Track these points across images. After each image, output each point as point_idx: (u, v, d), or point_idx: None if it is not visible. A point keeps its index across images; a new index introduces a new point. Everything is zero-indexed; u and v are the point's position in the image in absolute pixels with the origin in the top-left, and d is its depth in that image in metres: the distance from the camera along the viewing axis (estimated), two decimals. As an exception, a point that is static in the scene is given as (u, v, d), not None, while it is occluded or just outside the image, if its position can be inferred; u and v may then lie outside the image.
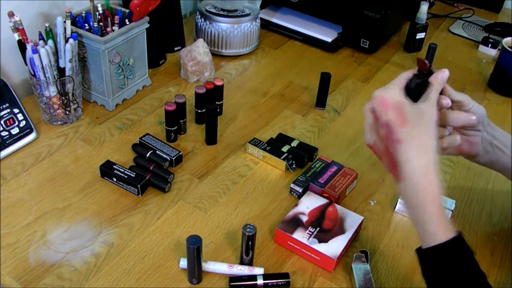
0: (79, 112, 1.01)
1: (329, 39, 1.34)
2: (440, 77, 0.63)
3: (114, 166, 0.86)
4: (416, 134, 0.57)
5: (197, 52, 1.13)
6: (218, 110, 1.05)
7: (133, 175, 0.85)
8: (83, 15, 1.01)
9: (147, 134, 0.96)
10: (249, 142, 0.95)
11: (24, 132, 0.92)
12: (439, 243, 0.57)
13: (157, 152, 0.91)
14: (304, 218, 0.79)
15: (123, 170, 0.85)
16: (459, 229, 0.59)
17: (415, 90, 0.63)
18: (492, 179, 0.95)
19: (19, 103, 0.93)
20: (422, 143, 0.57)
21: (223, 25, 1.22)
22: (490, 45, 1.40)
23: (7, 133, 0.90)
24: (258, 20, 1.28)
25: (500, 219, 0.87)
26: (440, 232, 0.58)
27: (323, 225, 0.78)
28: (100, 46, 0.95)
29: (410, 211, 0.60)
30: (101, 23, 1.01)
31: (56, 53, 0.92)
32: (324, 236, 0.76)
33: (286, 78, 1.21)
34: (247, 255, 0.73)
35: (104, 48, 0.95)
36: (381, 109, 0.58)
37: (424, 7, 1.32)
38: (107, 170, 0.86)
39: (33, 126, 0.94)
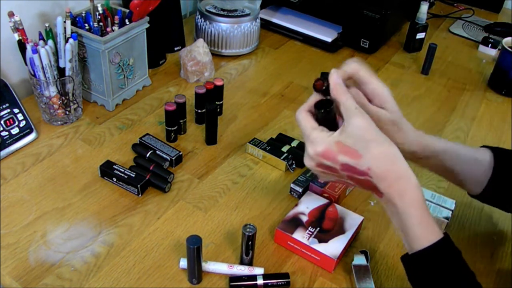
0: (79, 112, 1.01)
1: (329, 39, 1.34)
2: (333, 83, 0.60)
3: (114, 166, 0.86)
4: (373, 153, 0.57)
5: (197, 52, 1.13)
6: (218, 110, 1.05)
7: (133, 175, 0.85)
8: (83, 15, 1.01)
9: (147, 134, 0.96)
10: (249, 142, 0.95)
11: (24, 132, 0.92)
12: (426, 246, 0.57)
13: (157, 152, 0.91)
14: (304, 218, 0.79)
15: (123, 170, 0.85)
16: (444, 230, 0.59)
17: (328, 119, 0.61)
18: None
19: (19, 103, 0.93)
20: (384, 156, 0.57)
21: (223, 25, 1.23)
22: (490, 45, 1.40)
23: (7, 133, 0.90)
24: (258, 20, 1.28)
25: (500, 219, 0.87)
26: (426, 235, 0.57)
27: (323, 225, 0.78)
28: (100, 46, 0.95)
29: (395, 221, 0.60)
30: (101, 23, 1.01)
31: (56, 53, 0.92)
32: (324, 236, 0.76)
33: (286, 78, 1.21)
34: (247, 255, 0.73)
35: (104, 48, 0.95)
36: (329, 161, 0.58)
37: (424, 7, 1.32)
38: (107, 170, 0.86)
39: (33, 126, 0.94)
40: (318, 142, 0.59)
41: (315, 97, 0.63)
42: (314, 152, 0.59)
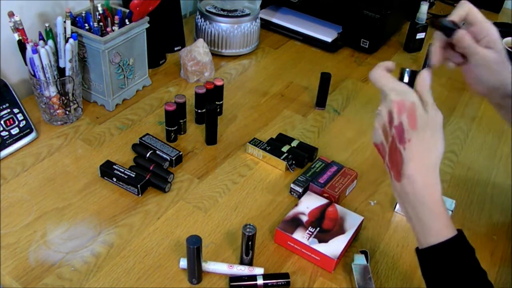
0: (79, 112, 1.01)
1: (329, 39, 1.34)
2: (422, 81, 0.63)
3: (114, 166, 0.86)
4: (423, 136, 0.58)
5: (197, 52, 1.13)
6: (218, 110, 1.05)
7: (133, 175, 0.85)
8: (83, 15, 1.01)
9: (147, 134, 0.96)
10: (249, 142, 0.95)
11: (24, 132, 0.92)
12: (442, 241, 0.57)
13: (157, 152, 0.91)
14: (304, 218, 0.79)
15: (123, 170, 0.85)
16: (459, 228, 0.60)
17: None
18: (492, 179, 0.95)
19: (19, 103, 0.93)
20: (428, 144, 0.59)
21: (223, 25, 1.23)
22: (490, 45, 1.40)
23: (7, 133, 0.90)
24: (258, 20, 1.28)
25: (500, 219, 0.87)
26: (442, 229, 0.58)
27: (323, 225, 0.78)
28: (100, 46, 0.95)
29: (409, 210, 0.60)
30: (101, 23, 1.01)
31: (56, 53, 0.92)
32: (324, 236, 0.76)
33: (286, 78, 1.21)
34: (247, 255, 0.73)
35: (104, 48, 0.95)
36: (397, 111, 0.60)
37: (424, 7, 1.32)
38: (107, 170, 0.86)
39: (33, 126, 0.94)
40: (405, 92, 0.60)
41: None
42: (394, 96, 0.60)
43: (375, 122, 0.63)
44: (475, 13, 0.67)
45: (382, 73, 0.64)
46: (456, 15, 0.67)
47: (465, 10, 0.68)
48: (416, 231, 0.60)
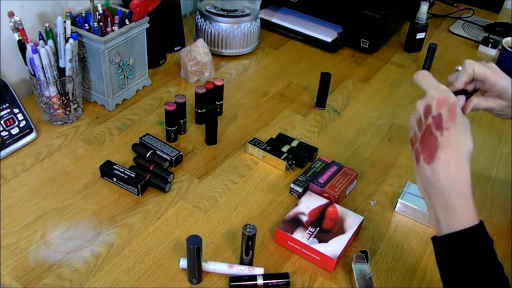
0: (79, 112, 1.01)
1: (329, 39, 1.34)
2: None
3: (114, 166, 0.86)
4: (459, 129, 0.61)
5: (197, 52, 1.13)
6: (218, 110, 1.05)
7: (133, 175, 0.85)
8: (83, 15, 1.01)
9: (147, 134, 0.96)
10: (249, 142, 0.95)
11: (24, 132, 0.92)
12: (465, 228, 0.58)
13: (157, 152, 0.91)
14: (304, 218, 0.79)
15: (123, 170, 0.85)
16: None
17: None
18: (492, 179, 0.95)
19: (19, 103, 0.93)
20: (462, 137, 0.61)
21: (223, 25, 1.23)
22: (490, 45, 1.40)
23: (7, 133, 0.90)
24: (258, 20, 1.28)
25: (500, 219, 0.87)
26: (468, 217, 0.59)
27: (323, 225, 0.78)
28: (100, 46, 0.95)
29: (435, 196, 0.61)
30: (101, 23, 1.01)
31: (56, 53, 0.92)
32: (324, 236, 0.76)
33: (286, 78, 1.21)
34: (247, 255, 0.73)
35: (104, 48, 0.95)
36: (436, 104, 0.62)
37: (424, 7, 1.32)
38: (107, 170, 0.86)
39: (33, 126, 0.94)
40: (445, 91, 0.63)
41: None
42: (436, 94, 0.62)
43: (411, 117, 0.66)
44: (480, 71, 0.72)
45: (426, 73, 0.67)
46: (461, 83, 0.72)
47: (469, 75, 0.72)
48: (438, 218, 0.60)
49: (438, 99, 0.62)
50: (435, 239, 0.61)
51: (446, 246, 0.60)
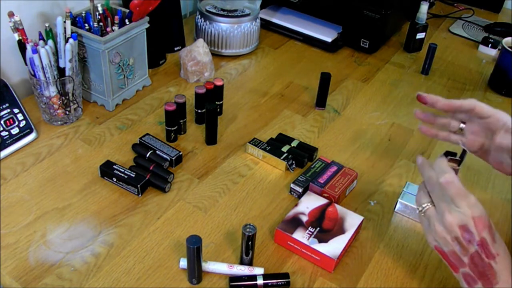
0: (79, 112, 1.01)
1: (329, 39, 1.34)
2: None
3: (114, 166, 0.86)
4: (504, 249, 0.59)
5: (197, 52, 1.13)
6: (218, 110, 1.05)
7: (133, 175, 0.85)
8: (83, 15, 1.01)
9: (147, 134, 0.96)
10: (249, 142, 0.95)
11: (24, 132, 0.92)
12: None
13: (157, 152, 0.91)
14: (304, 218, 0.79)
15: (123, 170, 0.85)
16: None
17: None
18: (492, 179, 0.95)
19: (19, 103, 0.93)
20: (509, 258, 0.60)
21: (223, 25, 1.23)
22: (490, 45, 1.40)
23: (7, 133, 0.90)
24: (258, 20, 1.28)
25: (500, 219, 0.87)
26: None
27: (323, 225, 0.78)
28: (100, 46, 0.95)
29: None
30: (101, 23, 1.01)
31: (56, 53, 0.92)
32: (324, 236, 0.76)
33: (286, 78, 1.21)
34: (247, 255, 0.73)
35: (104, 48, 0.95)
36: (476, 228, 0.59)
37: (424, 7, 1.32)
38: (107, 170, 0.86)
39: (33, 126, 0.94)
40: (479, 207, 0.59)
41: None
42: (471, 213, 0.59)
43: (434, 224, 0.62)
44: (482, 109, 0.73)
45: (456, 176, 0.62)
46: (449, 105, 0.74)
47: (471, 109, 0.73)
48: None
49: (476, 220, 0.58)
50: None
51: None
